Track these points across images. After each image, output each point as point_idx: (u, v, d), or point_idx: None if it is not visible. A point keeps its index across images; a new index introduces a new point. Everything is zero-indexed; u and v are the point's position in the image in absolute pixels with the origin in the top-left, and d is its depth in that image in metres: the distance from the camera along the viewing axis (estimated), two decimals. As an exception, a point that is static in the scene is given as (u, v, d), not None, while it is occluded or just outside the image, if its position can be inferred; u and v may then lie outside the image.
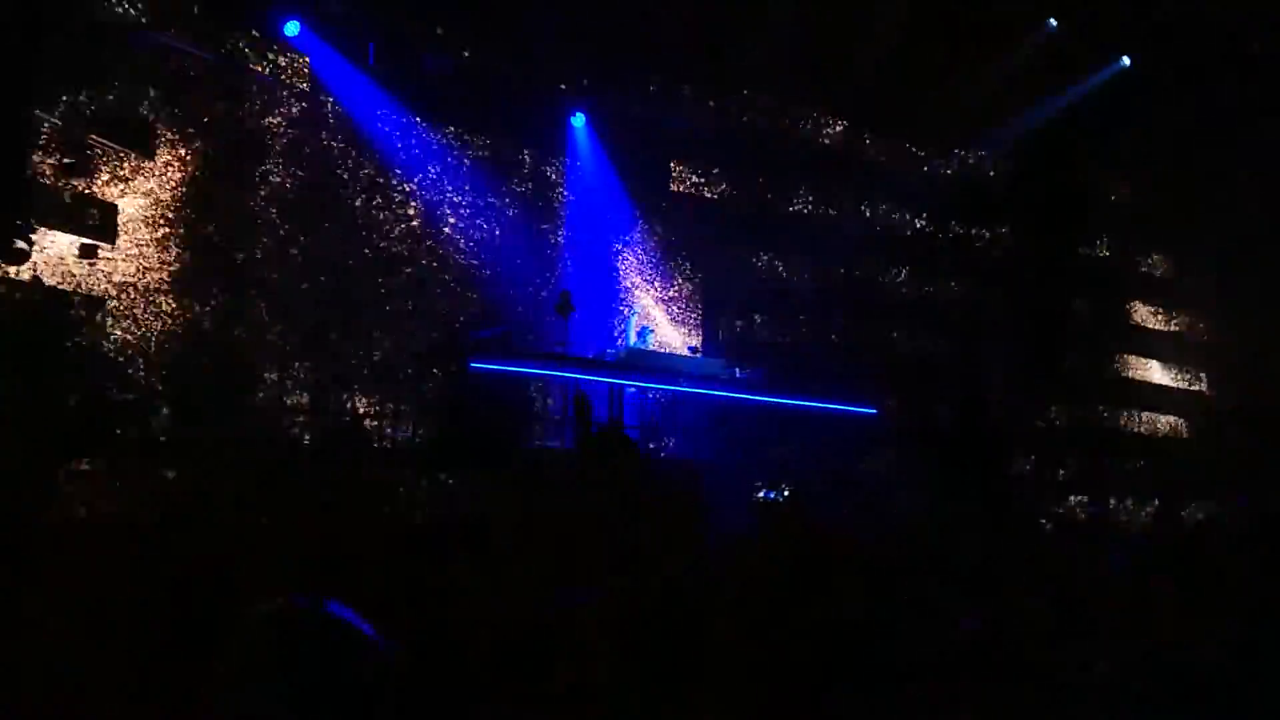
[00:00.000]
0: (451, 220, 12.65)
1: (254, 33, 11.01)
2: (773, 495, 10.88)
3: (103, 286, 9.64)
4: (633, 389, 11.39)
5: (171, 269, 10.14)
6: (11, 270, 8.80)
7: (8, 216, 8.75)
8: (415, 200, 12.37)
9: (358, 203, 11.94)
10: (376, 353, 11.75)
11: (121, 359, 9.38)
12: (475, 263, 12.80)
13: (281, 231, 11.20)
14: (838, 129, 15.60)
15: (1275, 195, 15.92)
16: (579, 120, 13.54)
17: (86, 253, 9.41)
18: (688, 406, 11.68)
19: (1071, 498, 15.70)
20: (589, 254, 13.98)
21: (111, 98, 9.77)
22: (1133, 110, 15.16)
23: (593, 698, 1.78)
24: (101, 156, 9.70)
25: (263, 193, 11.10)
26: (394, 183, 12.23)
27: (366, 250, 11.95)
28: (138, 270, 9.91)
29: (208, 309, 10.38)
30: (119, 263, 9.76)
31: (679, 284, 14.50)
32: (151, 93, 10.12)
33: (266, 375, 10.83)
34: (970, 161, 16.76)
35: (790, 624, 3.50)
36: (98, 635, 3.73)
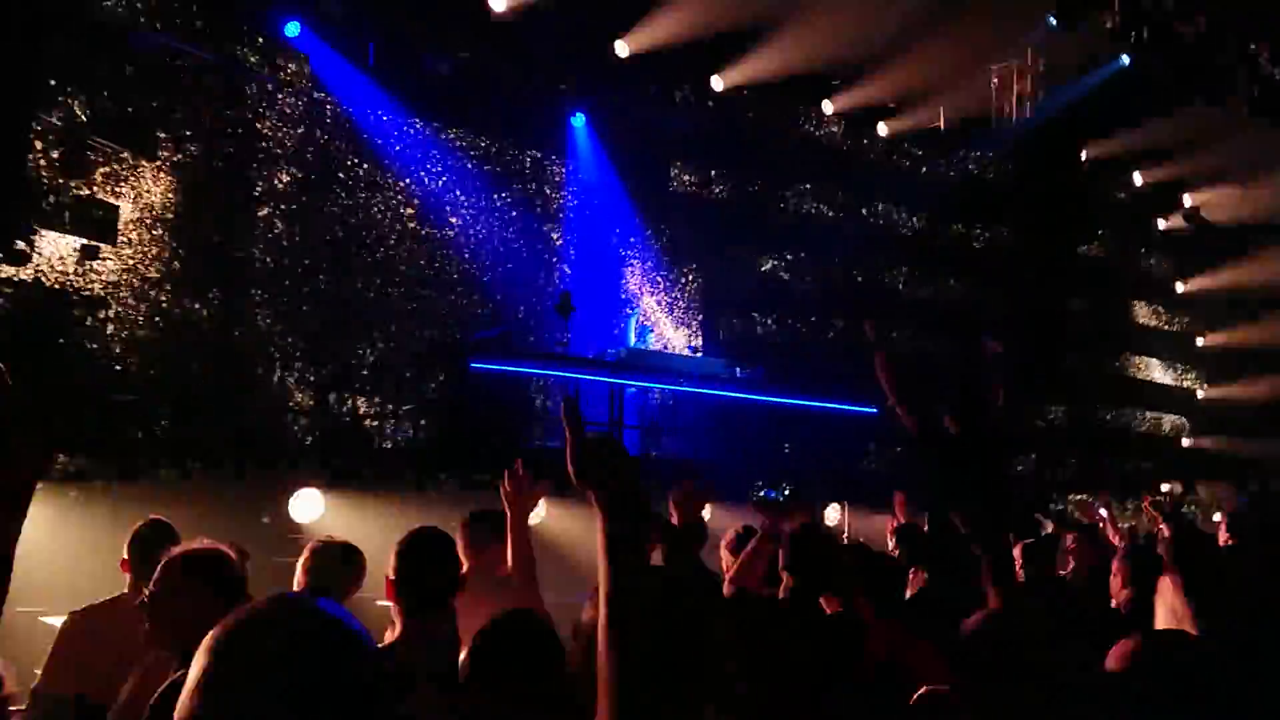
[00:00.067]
0: (451, 221, 12.65)
1: (254, 33, 10.99)
2: (773, 494, 10.87)
3: (102, 287, 9.63)
4: (633, 389, 11.39)
5: (171, 269, 10.13)
6: (12, 271, 8.80)
7: (8, 217, 8.75)
8: (415, 200, 12.36)
9: (357, 203, 11.94)
10: (376, 353, 11.75)
11: (121, 359, 9.37)
12: (475, 263, 12.79)
13: (281, 232, 11.20)
14: (838, 129, 15.60)
15: (1276, 194, 15.93)
16: (579, 120, 13.54)
17: (87, 253, 9.41)
18: (688, 406, 11.68)
19: (1072, 497, 15.70)
20: (589, 254, 13.98)
21: (111, 98, 9.76)
22: (1134, 108, 15.16)
23: (592, 698, 1.78)
24: (101, 157, 9.69)
25: (262, 193, 11.09)
26: (393, 183, 12.23)
27: (366, 250, 11.95)
28: (137, 271, 9.90)
29: (207, 309, 10.37)
30: (119, 263, 9.75)
31: (679, 284, 14.50)
32: (151, 93, 10.11)
33: (266, 375, 10.83)
34: (970, 163, 16.75)
35: (790, 623, 3.50)
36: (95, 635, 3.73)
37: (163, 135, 10.20)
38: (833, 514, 10.09)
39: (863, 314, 13.58)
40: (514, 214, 13.31)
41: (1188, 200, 17.98)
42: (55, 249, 9.26)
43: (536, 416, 12.12)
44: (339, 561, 3.87)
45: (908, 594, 4.91)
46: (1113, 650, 2.49)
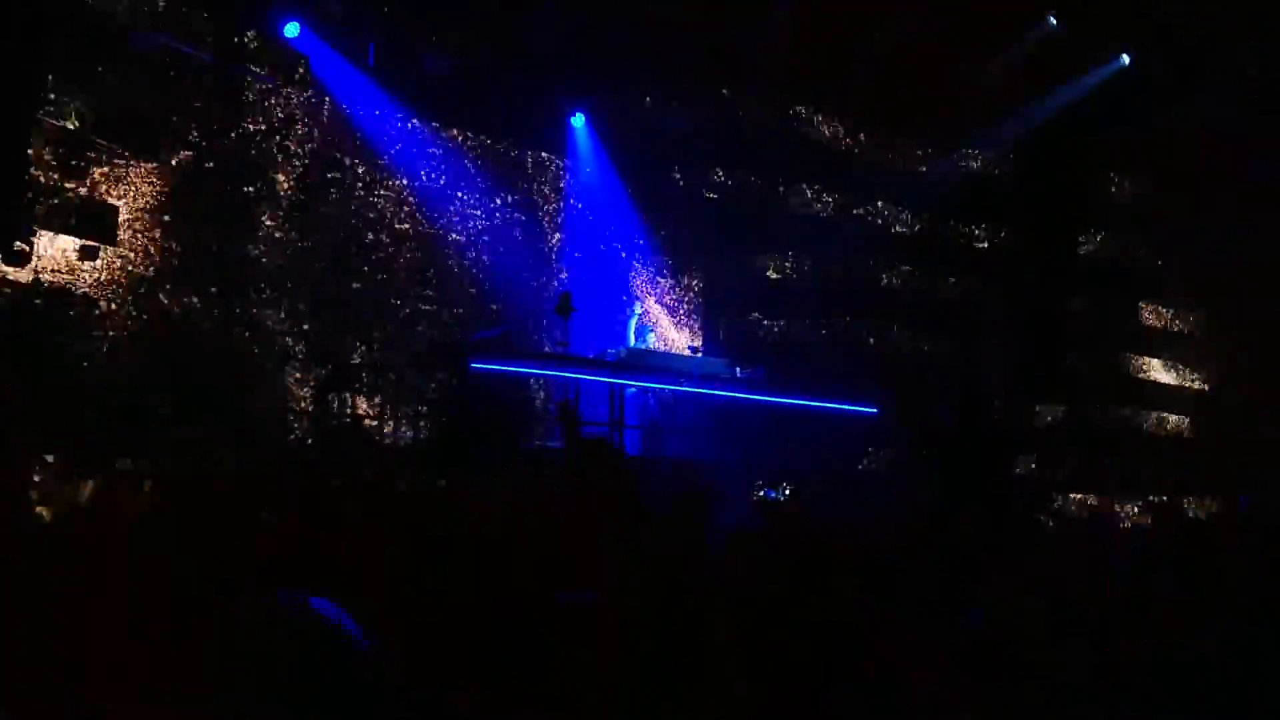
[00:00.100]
0: (451, 221, 12.65)
1: (254, 34, 10.99)
2: (773, 494, 10.88)
3: (103, 288, 9.63)
4: (633, 389, 11.39)
5: (171, 270, 10.13)
6: (11, 271, 8.80)
7: (8, 218, 8.75)
8: (415, 201, 12.37)
9: (358, 203, 11.94)
10: (377, 353, 11.76)
11: (121, 359, 9.37)
12: (475, 263, 12.81)
13: (281, 232, 11.20)
14: (838, 128, 15.60)
15: (1275, 194, 15.92)
16: (579, 120, 13.54)
17: (86, 254, 9.41)
18: (689, 406, 11.68)
19: (1072, 496, 15.70)
20: (589, 254, 14.00)
21: (111, 99, 9.76)
22: (1133, 110, 15.16)
23: (592, 698, 1.78)
24: (102, 157, 9.69)
25: (263, 193, 11.09)
26: (394, 183, 12.24)
27: (366, 250, 11.95)
28: (138, 271, 9.91)
29: (207, 309, 10.37)
30: (118, 263, 9.75)
31: (679, 283, 14.50)
32: (151, 94, 10.11)
33: (266, 375, 10.83)
34: (972, 161, 16.75)
35: (790, 624, 3.50)
36: (92, 634, 3.73)
37: (162, 136, 10.21)
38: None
39: (862, 314, 13.61)
40: (514, 214, 13.33)
41: (1190, 196, 17.96)
42: (55, 249, 9.26)
43: (537, 417, 12.13)
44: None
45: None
46: (1115, 650, 2.50)
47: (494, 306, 12.88)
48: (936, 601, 4.66)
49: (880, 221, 16.06)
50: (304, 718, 1.31)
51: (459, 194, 12.78)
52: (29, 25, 8.96)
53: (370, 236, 12.01)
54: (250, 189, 10.94)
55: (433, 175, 12.58)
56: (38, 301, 9.02)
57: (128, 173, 9.90)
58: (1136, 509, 15.80)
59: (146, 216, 10.00)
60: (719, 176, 14.74)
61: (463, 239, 12.74)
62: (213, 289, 10.42)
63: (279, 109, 11.35)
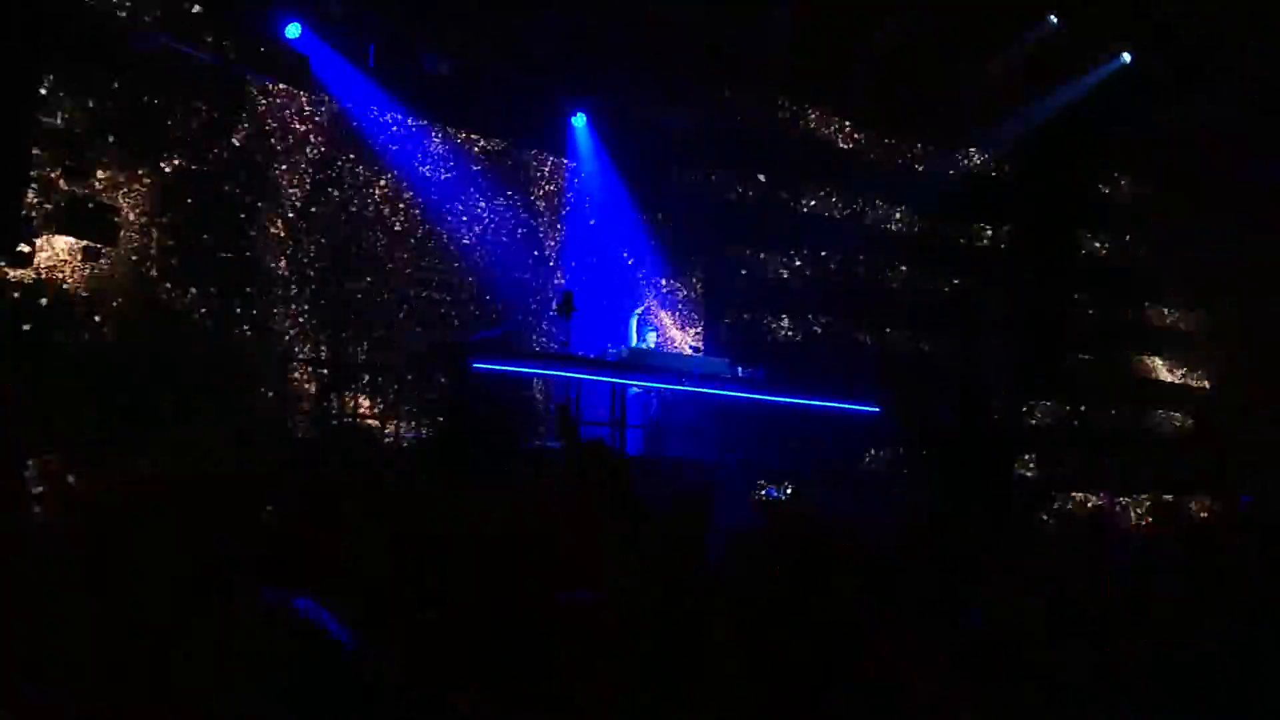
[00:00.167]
0: (452, 221, 12.67)
1: (254, 34, 11.00)
2: (775, 493, 10.89)
3: (104, 288, 9.63)
4: (635, 389, 11.39)
5: (172, 270, 10.14)
6: (13, 272, 8.81)
7: (9, 219, 8.76)
8: (415, 201, 12.39)
9: (358, 203, 11.95)
10: (377, 353, 11.77)
11: (121, 360, 9.36)
12: (476, 263, 12.82)
13: (282, 232, 11.21)
14: (838, 128, 15.59)
15: (1275, 192, 15.93)
16: (580, 120, 13.54)
17: (87, 255, 9.42)
18: (690, 406, 11.68)
19: (1073, 496, 15.71)
20: (590, 254, 14.00)
21: (112, 99, 9.77)
22: (1133, 110, 15.15)
23: (592, 698, 1.78)
24: (103, 159, 9.70)
25: (263, 194, 11.10)
26: (394, 183, 12.25)
27: (367, 250, 11.97)
28: (138, 271, 9.92)
29: (208, 310, 10.38)
30: (119, 264, 9.76)
31: (680, 283, 14.50)
32: (152, 95, 10.12)
33: (267, 375, 10.84)
34: (972, 161, 16.74)
35: (790, 623, 3.50)
36: (90, 635, 3.73)
37: (163, 136, 10.22)
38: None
39: (862, 314, 13.60)
40: (515, 214, 13.34)
41: (1191, 196, 17.97)
42: (56, 250, 9.27)
43: (538, 417, 12.13)
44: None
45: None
46: (1115, 650, 2.50)
47: (495, 306, 12.90)
48: (937, 601, 4.66)
49: (880, 221, 16.05)
50: (290, 716, 1.31)
51: (459, 194, 12.79)
52: (29, 25, 8.97)
53: (370, 236, 12.02)
54: (250, 189, 10.95)
55: (433, 175, 12.59)
56: (41, 301, 9.03)
57: (128, 173, 9.90)
58: (1137, 509, 15.82)
59: (147, 217, 10.01)
60: (719, 176, 14.73)
61: (463, 239, 12.75)
62: (213, 289, 10.43)
63: (279, 110, 11.36)
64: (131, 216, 9.88)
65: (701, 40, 13.28)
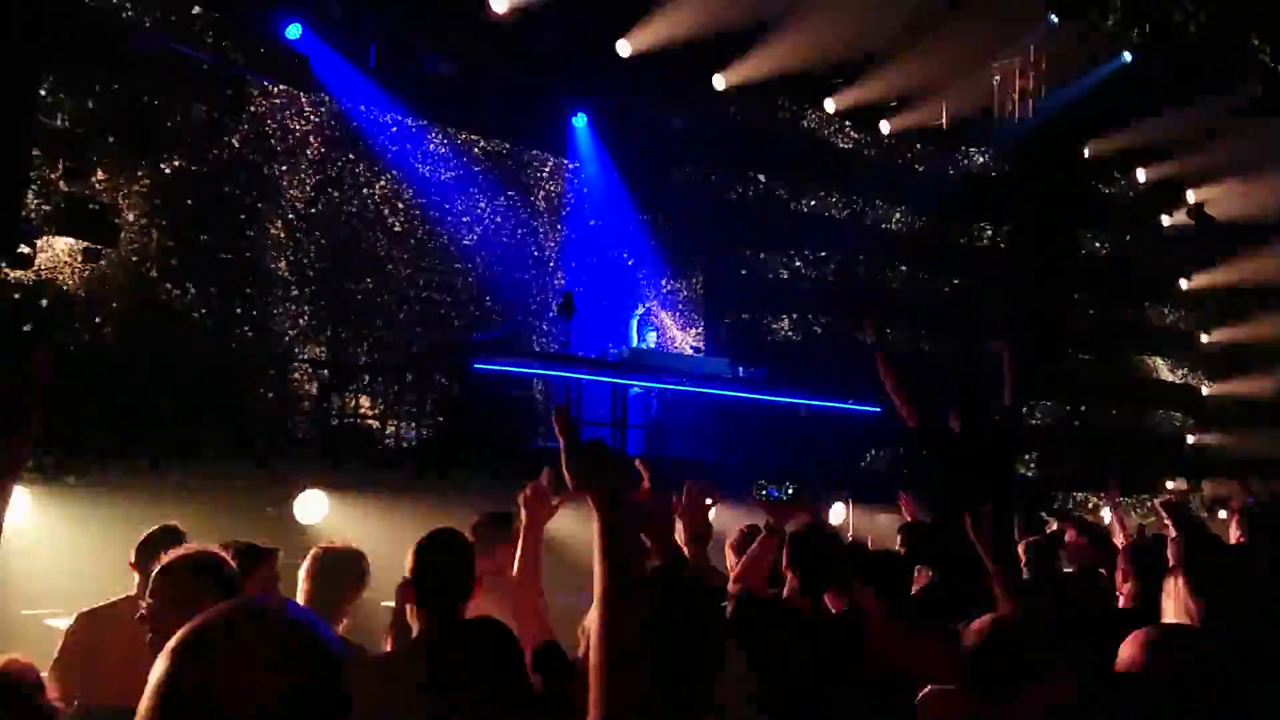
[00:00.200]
0: (452, 221, 12.67)
1: (255, 35, 11.00)
2: (776, 494, 10.87)
3: (104, 288, 9.63)
4: (636, 389, 11.39)
5: (172, 270, 10.14)
6: (14, 273, 8.81)
7: (10, 220, 8.76)
8: (416, 201, 12.39)
9: (358, 204, 11.96)
10: (378, 353, 11.77)
11: (122, 361, 9.37)
12: (476, 264, 12.82)
13: (282, 232, 11.22)
14: (839, 128, 15.59)
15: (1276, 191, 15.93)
16: (580, 120, 13.54)
17: (88, 255, 9.42)
18: (691, 406, 11.69)
19: (1073, 495, 15.71)
20: (591, 254, 14.00)
21: (112, 100, 9.77)
22: (1134, 107, 15.15)
23: (591, 699, 1.78)
24: (102, 159, 9.70)
25: (264, 194, 11.10)
26: (394, 184, 12.26)
27: (368, 251, 11.97)
28: (138, 272, 9.92)
29: (209, 310, 10.38)
30: (119, 264, 9.76)
31: (681, 283, 14.50)
32: (152, 95, 10.12)
33: (268, 376, 10.84)
34: (972, 161, 16.74)
35: (790, 623, 3.50)
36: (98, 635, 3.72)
37: (163, 137, 10.22)
38: (838, 512, 10.06)
39: (862, 314, 13.61)
40: (516, 214, 13.35)
41: (1191, 197, 17.98)
42: (56, 251, 9.27)
43: (539, 417, 12.13)
44: (344, 566, 3.89)
45: (912, 592, 4.90)
46: (1121, 648, 2.49)
47: (495, 307, 12.91)
48: (938, 602, 4.66)
49: (880, 221, 16.06)
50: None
51: (460, 195, 12.80)
52: (29, 25, 8.97)
53: (371, 237, 12.03)
54: (250, 190, 10.95)
55: (433, 176, 12.59)
56: (41, 302, 9.03)
57: (128, 174, 9.90)
58: (1138, 508, 15.80)
59: (147, 217, 10.01)
60: (720, 176, 14.73)
61: (464, 239, 12.76)
62: (213, 289, 10.43)
63: (280, 110, 11.36)
64: (131, 217, 9.89)
65: (703, 39, 13.27)
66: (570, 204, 14.03)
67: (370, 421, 11.07)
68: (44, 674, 3.72)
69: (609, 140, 13.64)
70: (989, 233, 16.91)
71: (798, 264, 15.14)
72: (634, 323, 12.47)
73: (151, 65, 10.06)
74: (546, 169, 13.87)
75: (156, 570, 2.91)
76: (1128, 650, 2.47)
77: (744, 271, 14.76)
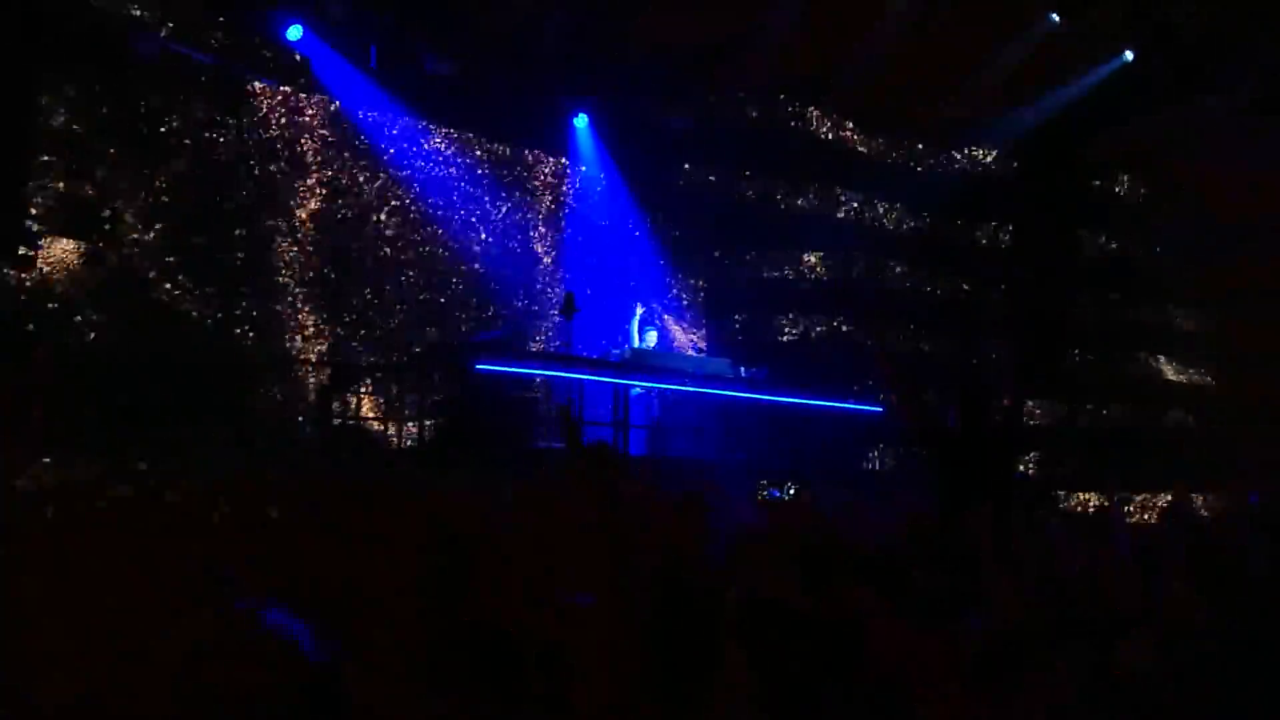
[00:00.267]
0: (454, 222, 12.67)
1: (256, 36, 11.01)
2: (777, 494, 10.86)
3: (104, 288, 9.63)
4: (638, 389, 11.39)
5: (173, 271, 10.14)
6: (15, 274, 8.82)
7: (11, 221, 8.77)
8: (416, 202, 12.39)
9: (359, 204, 11.95)
10: (379, 354, 11.77)
11: (123, 361, 9.37)
12: (478, 264, 12.82)
13: (282, 233, 11.21)
14: (839, 128, 15.59)
15: (1277, 190, 15.92)
16: (581, 121, 13.55)
17: (88, 256, 9.42)
18: (692, 406, 11.69)
19: (1075, 495, 15.70)
20: (592, 254, 14.00)
21: (113, 101, 9.78)
22: (1133, 110, 15.15)
23: (591, 699, 1.79)
24: (103, 160, 9.70)
25: (264, 195, 11.10)
26: (395, 184, 12.25)
27: (367, 251, 11.97)
28: (139, 272, 9.92)
29: (209, 311, 10.38)
30: (120, 265, 9.76)
31: (682, 283, 14.50)
32: (153, 96, 10.13)
33: (270, 376, 10.84)
34: (972, 161, 16.74)
35: (791, 623, 3.50)
36: (88, 637, 3.72)
37: (164, 138, 10.22)
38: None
39: (863, 314, 13.59)
40: (517, 214, 13.35)
41: (1191, 196, 17.99)
42: (57, 251, 9.28)
43: (541, 418, 12.13)
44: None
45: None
46: (1121, 648, 2.49)
47: (496, 307, 12.91)
48: (939, 602, 4.66)
49: (880, 221, 16.06)
50: None
51: (461, 195, 12.79)
52: (30, 27, 8.98)
53: (371, 237, 12.03)
54: (251, 191, 10.95)
55: (434, 176, 12.59)
56: (42, 302, 9.04)
57: (128, 175, 9.90)
58: (1139, 508, 15.80)
59: (148, 218, 10.01)
60: (720, 176, 14.74)
61: (465, 239, 12.76)
62: (213, 289, 10.43)
63: (280, 111, 11.36)
64: (132, 217, 9.89)
65: (703, 39, 13.29)
66: (571, 204, 14.03)
67: (372, 422, 11.07)
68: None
69: (610, 140, 13.65)
70: (989, 233, 16.91)
71: (798, 264, 15.14)
72: (634, 323, 12.48)
73: (153, 67, 10.07)
74: (548, 169, 13.86)
75: None
76: (1128, 650, 2.48)
77: (745, 271, 14.77)
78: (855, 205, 15.81)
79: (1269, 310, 17.33)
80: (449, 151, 12.79)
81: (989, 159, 16.78)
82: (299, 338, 11.19)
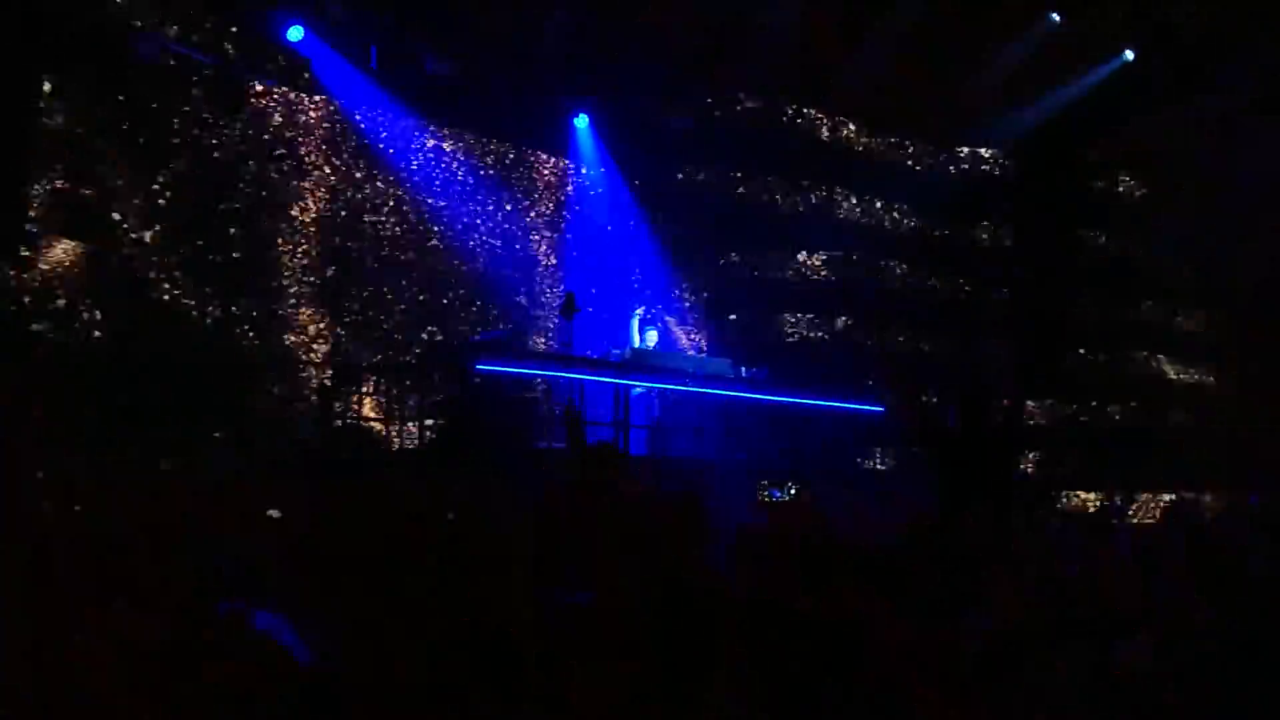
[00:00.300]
0: (454, 222, 12.67)
1: (256, 37, 11.01)
2: (778, 494, 10.87)
3: (104, 289, 9.63)
4: (638, 389, 11.40)
5: (174, 272, 10.14)
6: (15, 274, 8.82)
7: (12, 221, 8.78)
8: (417, 202, 12.39)
9: (359, 204, 11.95)
10: (381, 355, 11.78)
11: (124, 361, 9.38)
12: (478, 264, 12.82)
13: (282, 233, 11.21)
14: (839, 128, 15.60)
15: (1277, 189, 15.93)
16: (582, 121, 13.55)
17: (89, 256, 9.43)
18: (693, 406, 11.69)
19: (1075, 495, 15.72)
20: (593, 255, 14.01)
21: (113, 102, 9.78)
22: (1133, 110, 15.16)
23: (591, 699, 1.79)
24: (104, 160, 9.71)
25: (264, 195, 11.10)
26: (396, 184, 12.25)
27: (369, 251, 11.97)
28: (140, 273, 9.92)
29: (210, 312, 10.38)
30: (120, 265, 9.77)
31: (682, 283, 14.51)
32: (154, 97, 10.13)
33: (270, 377, 10.84)
34: (972, 161, 16.74)
35: (791, 623, 3.50)
36: (87, 639, 3.73)
37: (164, 138, 10.23)
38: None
39: (863, 313, 13.58)
40: (517, 215, 13.36)
41: (1191, 196, 18.00)
42: (57, 252, 9.28)
43: (542, 418, 12.13)
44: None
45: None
46: (1121, 648, 2.50)
47: (497, 307, 12.91)
48: (939, 602, 4.66)
49: (880, 221, 16.07)
50: None
51: (462, 195, 12.80)
52: (30, 27, 8.99)
53: (372, 237, 12.03)
54: (251, 191, 10.95)
55: (435, 176, 12.60)
56: (42, 303, 9.05)
57: (129, 175, 9.91)
58: (1140, 507, 15.81)
59: (148, 218, 10.01)
60: (721, 176, 14.75)
61: (465, 240, 12.76)
62: (213, 289, 10.43)
63: (281, 112, 11.37)
64: (132, 217, 9.89)
65: (703, 39, 13.29)
66: (572, 204, 14.03)
67: (374, 424, 11.08)
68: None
69: (610, 141, 13.65)
70: (990, 233, 16.92)
71: (798, 264, 15.15)
72: (635, 322, 12.48)
73: (153, 68, 10.08)
74: (548, 169, 13.87)
75: None
76: (1128, 650, 2.48)
77: (745, 271, 14.78)
78: (855, 205, 15.82)
79: (1269, 310, 17.35)
80: (449, 151, 12.79)
81: (989, 159, 16.78)
82: (299, 338, 11.19)
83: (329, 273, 11.51)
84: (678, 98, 14.03)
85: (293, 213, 11.32)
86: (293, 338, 11.13)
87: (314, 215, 11.50)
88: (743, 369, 12.09)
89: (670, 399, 11.69)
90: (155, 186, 10.07)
